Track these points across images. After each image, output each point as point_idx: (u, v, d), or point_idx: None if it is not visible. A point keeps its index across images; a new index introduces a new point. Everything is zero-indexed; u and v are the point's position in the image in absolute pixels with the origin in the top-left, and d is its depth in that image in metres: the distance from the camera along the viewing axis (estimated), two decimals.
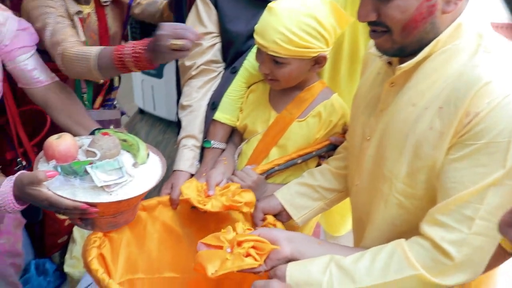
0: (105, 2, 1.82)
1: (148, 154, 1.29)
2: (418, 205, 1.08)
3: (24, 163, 1.73)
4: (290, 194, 1.41)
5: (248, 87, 1.58)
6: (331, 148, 1.48)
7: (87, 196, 1.13)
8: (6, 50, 1.46)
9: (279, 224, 1.36)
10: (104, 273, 1.09)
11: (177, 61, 1.82)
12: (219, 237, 1.16)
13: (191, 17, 1.63)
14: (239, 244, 1.14)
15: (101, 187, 1.13)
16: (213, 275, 1.08)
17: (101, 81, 1.91)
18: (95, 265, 1.12)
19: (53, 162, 1.17)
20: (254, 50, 1.48)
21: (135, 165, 1.25)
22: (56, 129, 1.56)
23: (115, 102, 2.06)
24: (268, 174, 1.48)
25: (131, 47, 1.30)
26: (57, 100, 1.53)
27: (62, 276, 2.28)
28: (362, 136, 1.20)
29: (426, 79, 1.03)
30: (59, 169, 1.13)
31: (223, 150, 1.59)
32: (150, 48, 1.26)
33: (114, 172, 1.17)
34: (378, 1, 0.99)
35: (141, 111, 3.91)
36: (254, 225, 1.40)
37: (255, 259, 1.11)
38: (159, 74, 3.59)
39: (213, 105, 1.59)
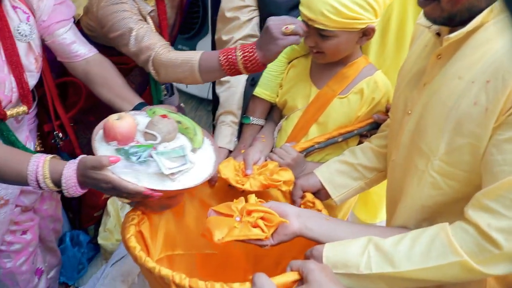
0: None
1: (203, 138, 1.27)
2: (454, 186, 1.03)
3: (60, 135, 1.73)
4: (330, 172, 1.38)
5: (289, 62, 1.54)
6: (374, 127, 1.44)
7: (152, 182, 1.12)
8: (44, 26, 1.46)
9: (317, 202, 1.33)
10: (141, 251, 1.08)
11: (213, 35, 1.78)
12: (230, 206, 1.15)
13: None
14: (249, 213, 1.13)
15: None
16: (219, 241, 1.08)
17: None
18: (133, 242, 1.12)
19: (114, 144, 1.17)
20: None
21: (194, 150, 1.24)
22: (94, 101, 1.56)
23: None
24: (308, 152, 1.45)
25: (240, 49, 1.30)
26: (97, 73, 1.52)
27: (96, 248, 2.31)
28: (403, 110, 1.15)
29: (476, 50, 0.96)
30: (122, 152, 1.13)
31: (262, 126, 1.56)
32: (260, 44, 1.27)
33: (177, 159, 1.16)
34: None
35: None
36: (293, 203, 1.37)
37: (263, 231, 1.10)
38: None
39: (252, 81, 1.56)
